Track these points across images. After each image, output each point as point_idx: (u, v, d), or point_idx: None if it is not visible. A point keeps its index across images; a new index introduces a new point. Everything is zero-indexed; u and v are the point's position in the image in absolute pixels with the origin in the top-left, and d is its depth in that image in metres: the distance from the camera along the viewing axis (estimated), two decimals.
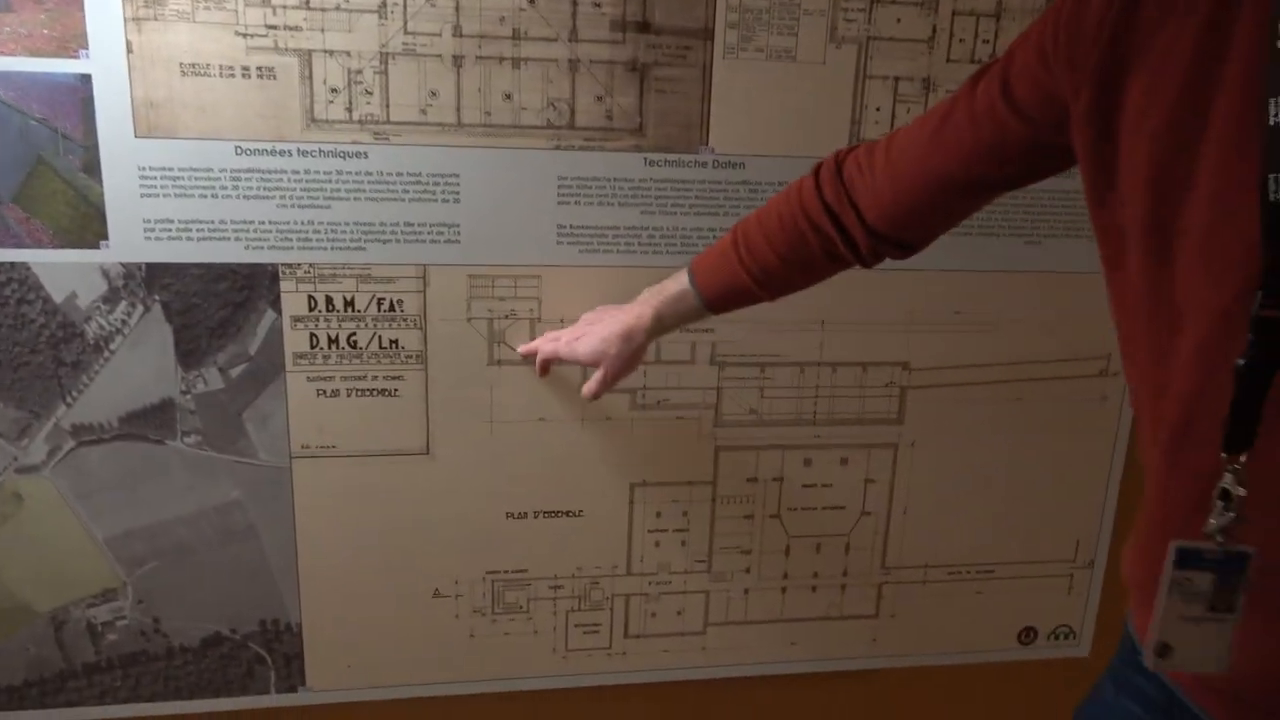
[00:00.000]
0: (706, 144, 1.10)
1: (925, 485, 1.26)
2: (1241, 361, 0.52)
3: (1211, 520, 0.56)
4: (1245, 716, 0.63)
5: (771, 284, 0.90)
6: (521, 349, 1.11)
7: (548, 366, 1.10)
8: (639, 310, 0.99)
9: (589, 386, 1.04)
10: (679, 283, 0.95)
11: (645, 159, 1.09)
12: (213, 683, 1.19)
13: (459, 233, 1.08)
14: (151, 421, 1.08)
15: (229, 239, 1.05)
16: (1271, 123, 0.50)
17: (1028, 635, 1.36)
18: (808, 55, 1.08)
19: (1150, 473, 0.65)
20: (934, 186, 0.74)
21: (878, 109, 1.12)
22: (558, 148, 1.07)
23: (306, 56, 1.00)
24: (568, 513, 1.20)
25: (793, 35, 1.08)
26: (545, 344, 1.08)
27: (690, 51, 1.07)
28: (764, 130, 1.10)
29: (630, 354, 1.00)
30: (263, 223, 1.05)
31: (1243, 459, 0.55)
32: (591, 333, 1.02)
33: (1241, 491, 0.55)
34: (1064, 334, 1.24)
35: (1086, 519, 1.31)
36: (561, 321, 1.13)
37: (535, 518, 1.19)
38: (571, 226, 1.10)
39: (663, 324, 0.98)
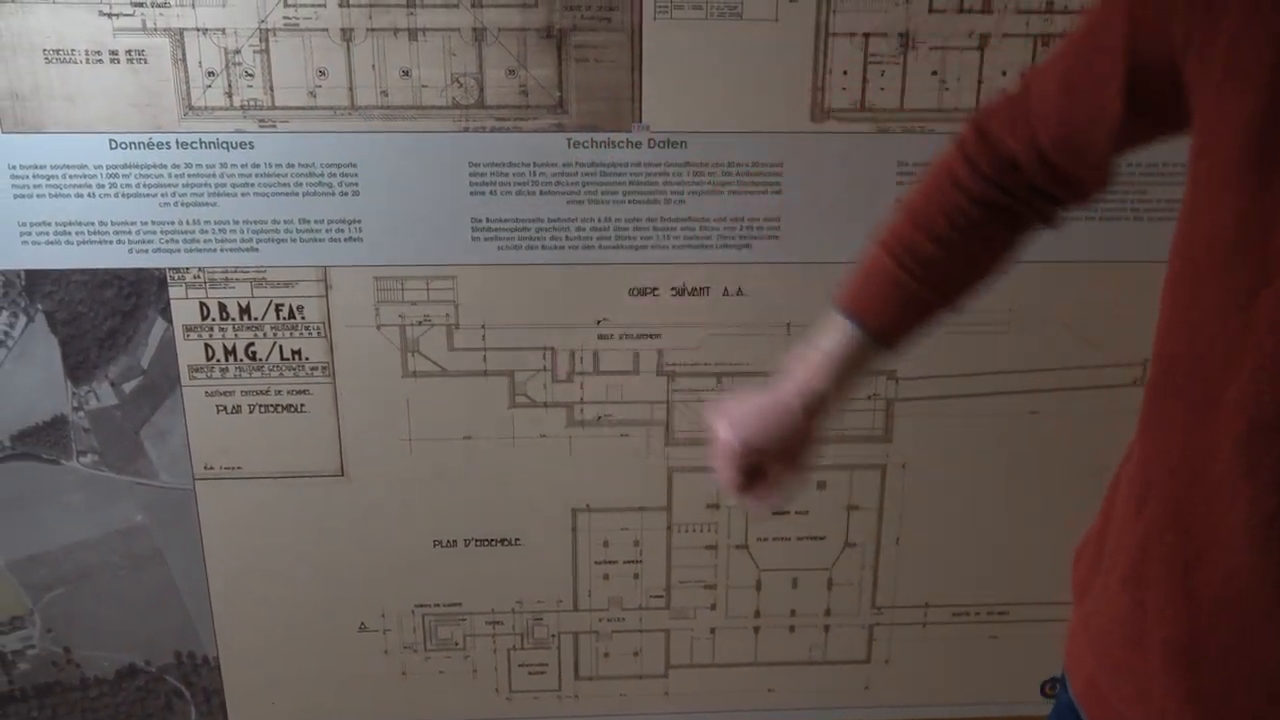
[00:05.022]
0: (640, 120, 0.94)
1: (921, 513, 1.08)
2: None
3: None
4: None
5: (958, 292, 0.70)
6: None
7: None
8: (789, 392, 0.69)
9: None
10: (834, 339, 0.69)
11: (569, 140, 0.95)
12: (132, 716, 1.11)
13: (361, 229, 0.96)
14: (44, 440, 1.00)
15: (111, 241, 0.95)
16: None
17: (1053, 688, 1.16)
18: (756, 11, 0.91)
19: (1184, 466, 0.49)
20: (1090, 140, 0.58)
21: (845, 73, 0.94)
22: (466, 129, 0.94)
23: (178, 36, 0.90)
24: (503, 541, 1.07)
25: None
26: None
27: (615, 12, 0.91)
28: (707, 103, 0.94)
29: (791, 433, 0.68)
30: (145, 223, 0.95)
31: None
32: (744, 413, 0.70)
33: None
34: (1090, 335, 1.03)
35: None
36: (483, 327, 1.00)
37: (466, 546, 1.07)
38: (487, 220, 0.97)
39: (828, 392, 0.68)
